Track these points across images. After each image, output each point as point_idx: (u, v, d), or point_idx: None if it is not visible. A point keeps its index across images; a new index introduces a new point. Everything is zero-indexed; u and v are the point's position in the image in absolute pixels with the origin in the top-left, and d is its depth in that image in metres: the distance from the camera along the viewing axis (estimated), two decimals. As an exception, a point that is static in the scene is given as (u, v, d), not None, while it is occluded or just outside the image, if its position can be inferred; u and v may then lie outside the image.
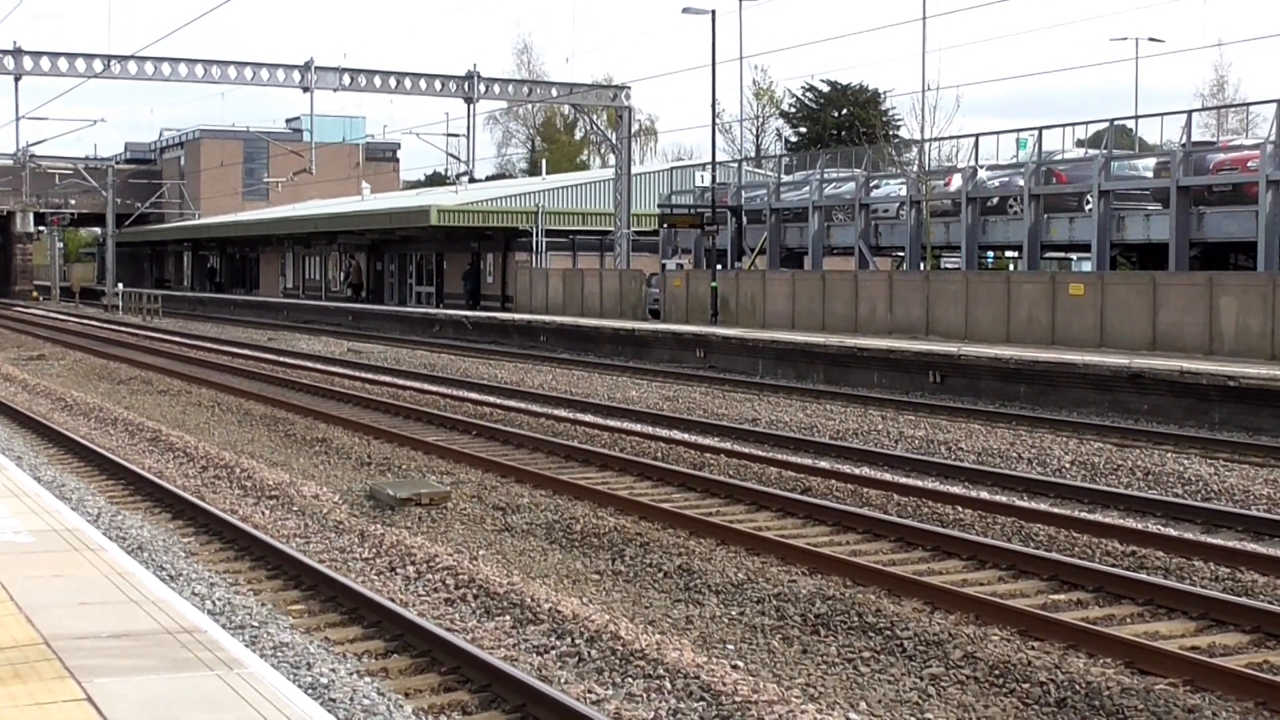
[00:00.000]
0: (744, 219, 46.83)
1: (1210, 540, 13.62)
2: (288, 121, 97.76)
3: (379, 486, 16.71)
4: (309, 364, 36.11)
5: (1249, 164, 30.73)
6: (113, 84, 55.55)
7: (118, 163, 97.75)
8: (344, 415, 24.03)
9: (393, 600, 11.52)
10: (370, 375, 32.54)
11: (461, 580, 12.30)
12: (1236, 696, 8.99)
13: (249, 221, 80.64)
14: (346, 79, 46.46)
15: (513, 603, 11.48)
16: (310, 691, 8.68)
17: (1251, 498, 16.13)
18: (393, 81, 47.49)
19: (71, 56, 44.09)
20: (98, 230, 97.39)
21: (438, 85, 47.76)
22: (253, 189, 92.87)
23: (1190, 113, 35.99)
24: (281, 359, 37.99)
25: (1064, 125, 38.53)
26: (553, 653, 10.23)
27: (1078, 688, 9.20)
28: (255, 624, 10.54)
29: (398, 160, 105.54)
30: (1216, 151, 32.98)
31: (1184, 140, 33.10)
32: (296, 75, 45.52)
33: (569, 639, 10.45)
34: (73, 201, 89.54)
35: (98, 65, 44.17)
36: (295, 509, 15.86)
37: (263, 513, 15.70)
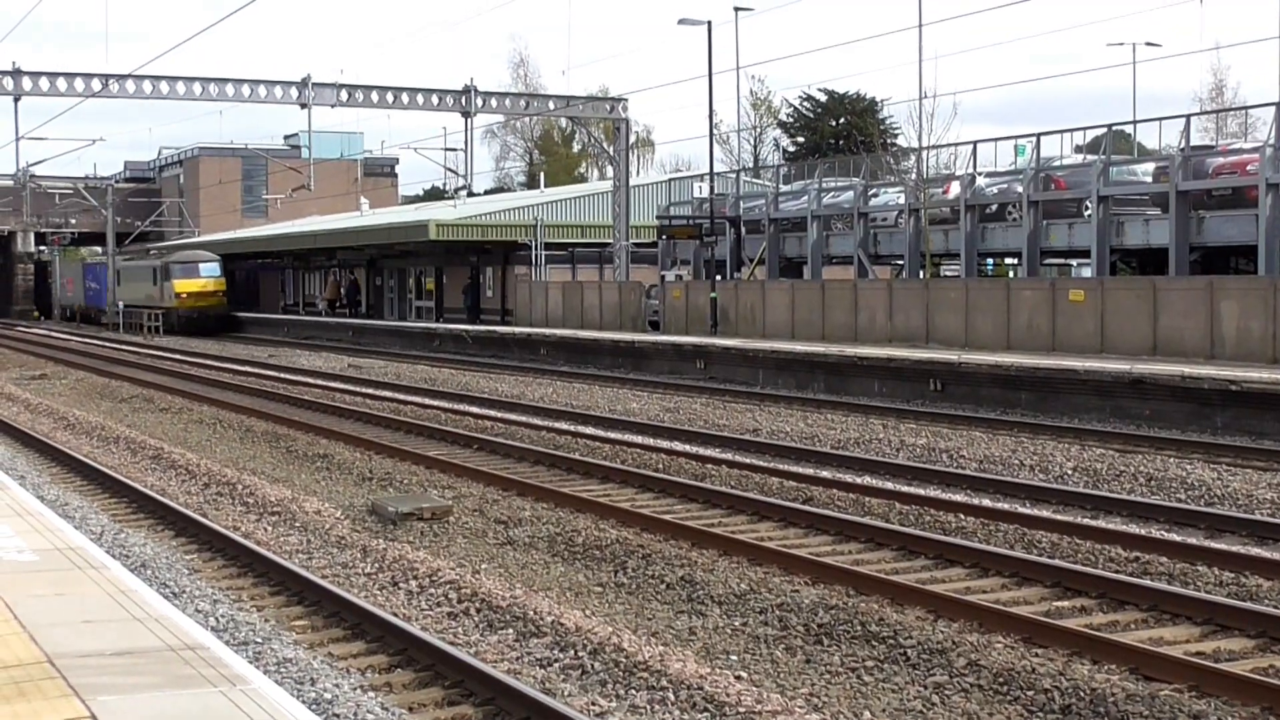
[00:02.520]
0: (743, 229, 46.87)
1: (1214, 545, 13.61)
2: (286, 138, 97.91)
3: (381, 502, 16.70)
4: (310, 380, 36.13)
5: (1248, 167, 30.74)
6: (111, 103, 55.34)
7: (117, 181, 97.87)
8: (345, 431, 24.04)
9: (396, 615, 11.51)
10: (371, 390, 32.55)
11: (464, 594, 12.29)
12: (1242, 701, 8.97)
13: (248, 239, 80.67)
14: (344, 95, 46.50)
15: (516, 616, 11.47)
16: (314, 707, 8.69)
17: (1255, 502, 16.12)
18: (390, 97, 47.53)
19: (70, 76, 44.12)
20: (98, 249, 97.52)
21: (435, 100, 47.80)
22: (252, 206, 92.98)
23: (1189, 116, 35.98)
24: (282, 375, 38.01)
25: (1062, 131, 38.52)
26: (556, 665, 10.22)
27: (1082, 694, 9.18)
28: (259, 640, 10.54)
29: (396, 175, 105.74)
30: (1215, 155, 33.00)
31: (1183, 144, 33.10)
32: (294, 92, 45.56)
33: (572, 651, 10.44)
34: (73, 221, 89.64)
35: (96, 84, 44.21)
36: (297, 525, 15.86)
37: (265, 529, 15.70)
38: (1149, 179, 33.54)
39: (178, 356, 47.36)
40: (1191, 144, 33.45)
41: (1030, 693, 9.33)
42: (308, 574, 12.86)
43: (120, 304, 72.20)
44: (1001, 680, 9.59)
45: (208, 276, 67.46)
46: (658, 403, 28.65)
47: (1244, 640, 10.48)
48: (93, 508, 16.99)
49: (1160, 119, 36.97)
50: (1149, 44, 67.17)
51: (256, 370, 40.15)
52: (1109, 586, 11.94)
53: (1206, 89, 72.06)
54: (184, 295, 66.29)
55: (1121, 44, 69.92)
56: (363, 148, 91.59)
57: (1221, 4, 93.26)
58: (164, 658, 7.78)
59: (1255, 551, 13.37)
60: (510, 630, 11.18)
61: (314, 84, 45.45)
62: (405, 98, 47.66)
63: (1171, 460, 19.25)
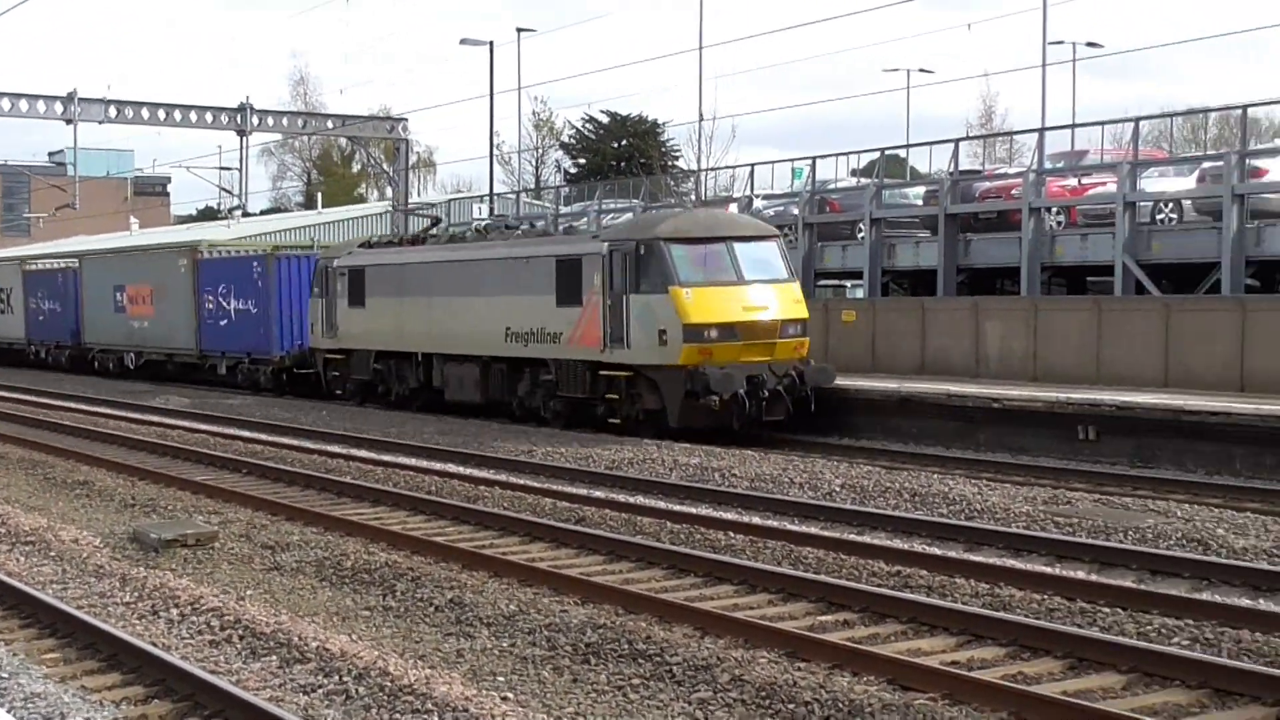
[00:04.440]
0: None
1: (972, 558, 13.99)
2: (51, 155, 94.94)
3: (143, 528, 16.21)
4: (71, 405, 34.93)
5: (1013, 192, 31.83)
6: None
7: None
8: (108, 456, 23.30)
9: (154, 644, 11.16)
10: (137, 415, 31.62)
11: (227, 621, 11.99)
12: (991, 708, 9.22)
13: (8, 259, 77.86)
14: (113, 111, 45.23)
15: (280, 642, 11.22)
16: (59, 742, 8.35)
17: (1012, 515, 16.59)
18: (161, 114, 46.38)
19: None
20: None
21: (209, 117, 46.83)
22: (13, 224, 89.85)
23: (957, 142, 37.14)
24: (43, 400, 36.66)
25: (838, 155, 39.64)
26: (320, 691, 10.01)
27: (841, 706, 9.33)
28: (4, 675, 10.09)
29: (168, 194, 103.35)
30: (982, 180, 34.13)
31: (951, 169, 34.14)
32: (59, 106, 44.19)
33: (337, 676, 10.24)
34: None
35: None
36: (53, 554, 15.28)
37: (17, 559, 15.07)
38: (919, 202, 34.50)
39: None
40: (960, 169, 34.53)
41: (791, 705, 9.44)
42: (61, 604, 12.38)
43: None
44: (764, 694, 9.69)
45: (766, 279, 25.55)
46: (434, 426, 28.37)
47: (996, 649, 10.77)
48: None
49: (930, 144, 38.13)
50: (922, 70, 69.14)
51: (12, 395, 38.63)
52: (871, 600, 12.17)
53: (977, 115, 74.60)
54: (709, 331, 24.55)
55: (896, 70, 71.93)
56: (133, 165, 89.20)
57: (990, 33, 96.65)
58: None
59: (1010, 563, 13.79)
60: (274, 657, 10.93)
61: (80, 99, 44.12)
62: (178, 114, 46.57)
63: (935, 476, 19.73)
